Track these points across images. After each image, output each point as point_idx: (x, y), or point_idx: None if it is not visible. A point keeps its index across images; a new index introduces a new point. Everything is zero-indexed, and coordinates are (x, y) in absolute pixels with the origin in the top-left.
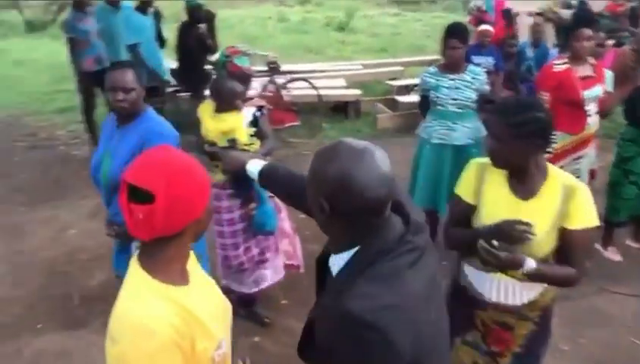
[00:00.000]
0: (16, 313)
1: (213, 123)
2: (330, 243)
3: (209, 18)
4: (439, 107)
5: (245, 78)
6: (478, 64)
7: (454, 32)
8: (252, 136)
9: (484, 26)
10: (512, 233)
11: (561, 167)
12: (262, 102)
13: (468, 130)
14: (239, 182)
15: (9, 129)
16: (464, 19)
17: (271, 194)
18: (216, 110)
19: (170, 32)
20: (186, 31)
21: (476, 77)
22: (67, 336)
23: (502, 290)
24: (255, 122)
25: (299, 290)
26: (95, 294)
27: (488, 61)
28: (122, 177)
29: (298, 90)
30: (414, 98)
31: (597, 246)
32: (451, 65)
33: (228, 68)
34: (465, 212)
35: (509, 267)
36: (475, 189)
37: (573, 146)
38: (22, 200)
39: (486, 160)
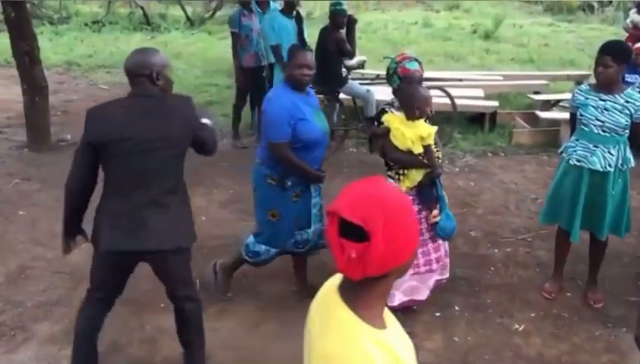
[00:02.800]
0: (142, 290)
1: (410, 130)
2: None
3: (350, 23)
4: (583, 127)
5: (413, 80)
6: (631, 83)
7: (608, 50)
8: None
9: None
10: None
11: None
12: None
13: (610, 156)
14: (425, 189)
15: None
16: (623, 32)
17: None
18: (407, 118)
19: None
20: (326, 35)
21: (631, 102)
22: None
23: None
24: None
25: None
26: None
27: None
28: (332, 208)
29: (433, 98)
30: (557, 114)
31: None
32: (602, 85)
33: (399, 73)
34: None
35: None
36: None
37: None
38: None
39: None
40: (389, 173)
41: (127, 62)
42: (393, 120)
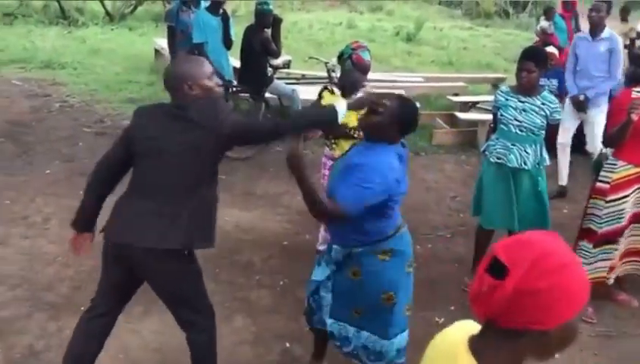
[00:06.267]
0: (62, 293)
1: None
2: None
3: (275, 23)
4: (502, 126)
5: (365, 70)
6: (541, 86)
7: (531, 56)
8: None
9: (548, 49)
10: None
11: (623, 197)
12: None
13: (526, 155)
14: None
15: (78, 114)
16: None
17: None
18: (344, 97)
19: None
20: (251, 34)
21: (547, 104)
22: None
23: None
24: None
25: None
26: None
27: (552, 83)
28: (493, 247)
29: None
30: (475, 115)
31: None
32: (523, 88)
33: (353, 59)
34: None
35: None
36: None
37: (637, 177)
38: (83, 184)
39: None
40: (326, 141)
41: (164, 73)
42: (327, 96)
